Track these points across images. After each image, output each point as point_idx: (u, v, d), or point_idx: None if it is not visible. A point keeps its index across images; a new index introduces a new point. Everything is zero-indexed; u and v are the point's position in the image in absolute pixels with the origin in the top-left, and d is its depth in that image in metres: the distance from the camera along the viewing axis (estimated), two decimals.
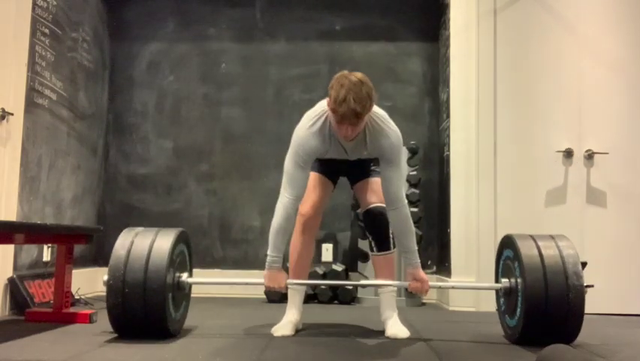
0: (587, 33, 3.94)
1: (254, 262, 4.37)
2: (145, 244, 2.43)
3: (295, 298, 2.74)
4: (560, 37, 3.96)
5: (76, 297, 3.49)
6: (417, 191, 4.07)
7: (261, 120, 4.44)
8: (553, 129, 3.90)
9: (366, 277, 3.97)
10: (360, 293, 4.00)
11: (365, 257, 3.99)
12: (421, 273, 2.60)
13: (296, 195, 2.49)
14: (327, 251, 4.31)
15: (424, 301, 4.14)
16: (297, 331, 2.70)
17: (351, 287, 3.96)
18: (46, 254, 3.56)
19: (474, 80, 3.95)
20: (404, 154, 2.58)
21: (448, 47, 4.10)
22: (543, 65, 3.95)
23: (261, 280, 2.59)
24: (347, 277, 4.04)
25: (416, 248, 2.58)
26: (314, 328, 2.84)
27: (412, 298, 3.94)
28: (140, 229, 2.58)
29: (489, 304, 3.76)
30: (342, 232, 4.34)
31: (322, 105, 2.49)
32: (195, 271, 4.38)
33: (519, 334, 2.48)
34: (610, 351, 2.43)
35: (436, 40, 4.48)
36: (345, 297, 3.96)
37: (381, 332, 2.70)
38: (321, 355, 2.29)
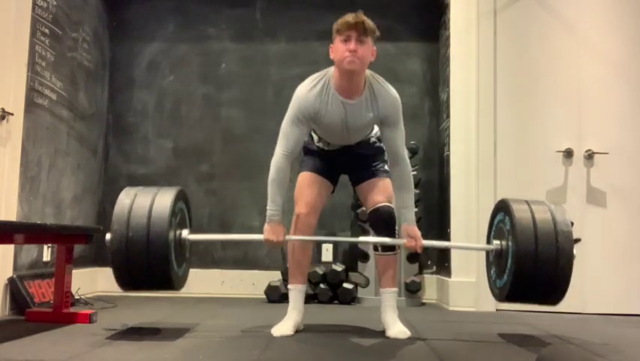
0: (587, 33, 3.94)
1: (254, 262, 4.37)
2: (146, 202, 2.45)
3: (296, 298, 2.73)
4: (559, 37, 3.96)
5: (76, 297, 3.49)
6: (417, 191, 4.06)
7: (261, 120, 4.44)
8: (553, 129, 3.91)
9: (366, 278, 3.98)
10: (360, 293, 4.00)
11: (365, 257, 3.99)
12: (416, 230, 2.63)
13: (287, 150, 2.57)
14: (327, 251, 4.31)
15: (424, 301, 4.15)
16: (298, 331, 2.70)
17: (351, 287, 3.96)
18: (46, 254, 3.56)
19: (474, 80, 3.95)
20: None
21: (448, 46, 4.10)
22: (543, 64, 3.96)
23: (261, 237, 2.61)
24: (347, 277, 4.04)
25: (413, 205, 2.66)
26: (314, 328, 2.84)
27: (412, 298, 3.95)
28: (140, 188, 2.59)
29: (489, 304, 3.77)
30: (342, 232, 4.34)
31: (326, 70, 2.59)
32: (195, 270, 4.40)
33: (507, 292, 2.48)
34: (610, 351, 2.43)
35: (436, 40, 4.48)
36: (345, 297, 3.96)
37: (382, 332, 2.70)
38: (321, 355, 2.29)
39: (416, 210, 3.98)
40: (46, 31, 3.54)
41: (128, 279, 2.45)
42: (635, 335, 3.00)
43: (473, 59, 3.97)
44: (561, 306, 3.70)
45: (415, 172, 4.02)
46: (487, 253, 2.76)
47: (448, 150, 4.00)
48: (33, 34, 3.38)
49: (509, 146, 3.91)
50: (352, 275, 4.04)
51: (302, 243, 2.74)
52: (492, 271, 2.72)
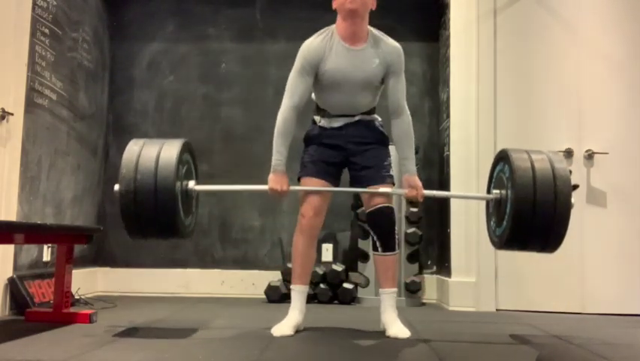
0: (587, 33, 3.94)
1: (254, 261, 4.37)
2: (153, 152, 2.48)
3: (298, 299, 2.73)
4: (559, 37, 3.96)
5: (77, 297, 3.49)
6: None
7: (261, 120, 4.43)
8: (553, 129, 3.90)
9: (366, 278, 3.98)
10: (360, 293, 4.00)
11: (365, 257, 3.99)
12: (417, 180, 2.69)
13: (294, 102, 2.65)
14: (327, 251, 4.31)
15: (424, 301, 4.15)
16: (297, 331, 2.70)
17: (351, 287, 3.96)
18: (46, 254, 3.56)
19: (474, 80, 3.96)
20: None
21: (448, 46, 4.10)
22: (543, 65, 3.96)
23: (266, 187, 2.66)
24: (347, 277, 4.04)
25: (414, 156, 2.73)
26: (314, 328, 2.84)
27: (412, 298, 3.95)
28: (147, 139, 2.61)
29: (489, 304, 3.78)
30: (342, 232, 4.34)
31: (330, 27, 2.69)
32: (195, 270, 4.42)
33: (506, 238, 2.49)
34: (610, 351, 2.43)
35: (436, 40, 4.48)
36: (345, 297, 3.96)
37: (382, 332, 2.70)
38: (321, 355, 2.29)
39: (416, 210, 4.02)
40: (46, 31, 3.54)
41: (136, 228, 2.48)
42: (635, 335, 3.00)
43: (473, 59, 3.97)
44: (561, 306, 3.74)
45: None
46: (487, 202, 2.76)
47: (448, 150, 4.00)
48: (33, 34, 3.38)
49: (509, 146, 3.89)
50: (352, 275, 4.04)
51: (307, 243, 2.72)
52: (491, 222, 2.71)
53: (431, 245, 4.34)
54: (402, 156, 2.71)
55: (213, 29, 4.59)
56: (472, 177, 3.88)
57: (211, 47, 4.59)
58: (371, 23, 2.84)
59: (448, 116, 4.03)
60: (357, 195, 3.85)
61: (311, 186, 2.71)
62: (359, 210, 3.95)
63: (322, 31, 2.69)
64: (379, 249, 2.71)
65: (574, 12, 3.96)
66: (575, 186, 2.50)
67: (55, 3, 3.63)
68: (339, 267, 4.07)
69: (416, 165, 3.97)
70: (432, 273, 4.32)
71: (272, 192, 2.66)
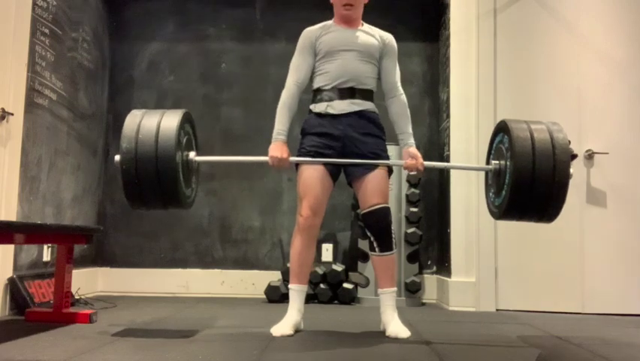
0: (587, 33, 3.94)
1: (254, 262, 4.37)
2: (153, 122, 2.48)
3: (296, 298, 2.73)
4: (559, 37, 3.96)
5: (76, 297, 3.50)
6: (417, 191, 4.07)
7: (261, 120, 4.43)
8: None
9: (366, 277, 3.98)
10: (360, 293, 4.00)
11: (365, 257, 3.99)
12: (416, 151, 2.76)
13: (298, 79, 2.77)
14: (327, 251, 4.31)
15: (424, 301, 4.15)
16: (297, 331, 2.70)
17: (351, 287, 3.97)
18: (46, 254, 3.56)
19: (474, 80, 3.96)
20: None
21: (448, 46, 4.10)
22: (543, 64, 3.96)
23: (266, 158, 2.68)
24: (347, 277, 4.04)
25: (411, 132, 2.81)
26: (314, 328, 2.84)
27: (412, 298, 3.95)
28: (146, 110, 2.59)
29: (489, 304, 3.78)
30: (342, 232, 4.34)
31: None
32: (195, 270, 4.42)
33: (505, 208, 2.49)
34: (610, 351, 2.43)
35: (436, 41, 4.48)
36: (345, 297, 3.96)
37: (382, 332, 2.70)
38: (321, 355, 2.29)
39: (416, 210, 4.02)
40: (46, 31, 3.54)
41: (137, 197, 2.47)
42: (635, 335, 3.00)
43: (473, 59, 3.97)
44: (561, 306, 3.74)
45: (415, 172, 4.03)
46: (487, 173, 2.75)
47: (448, 150, 4.00)
48: (33, 34, 3.38)
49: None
50: (352, 275, 4.04)
51: (306, 243, 2.71)
52: (490, 193, 2.71)
53: (431, 245, 4.34)
54: (400, 132, 2.80)
55: (213, 29, 4.60)
56: (471, 178, 3.88)
57: (211, 47, 4.59)
58: (372, 23, 2.87)
59: (448, 116, 4.03)
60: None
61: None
62: (359, 210, 3.94)
63: (322, 23, 2.86)
64: (377, 249, 2.71)
65: (574, 12, 3.96)
66: (574, 156, 2.49)
67: (55, 3, 3.63)
68: (339, 267, 4.07)
69: None
70: (432, 273, 4.32)
71: (272, 159, 2.67)
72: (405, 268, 3.97)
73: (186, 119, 2.60)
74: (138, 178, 2.41)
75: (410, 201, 4.05)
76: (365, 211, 2.72)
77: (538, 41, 3.97)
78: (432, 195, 4.35)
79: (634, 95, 3.89)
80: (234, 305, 3.79)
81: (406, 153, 2.76)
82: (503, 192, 2.52)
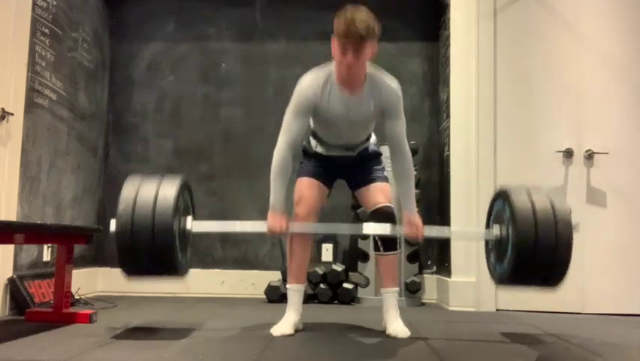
0: (587, 33, 3.94)
1: (254, 262, 4.37)
2: (151, 190, 2.46)
3: (295, 298, 2.74)
4: (560, 37, 3.96)
5: (76, 297, 3.49)
6: (417, 191, 4.06)
7: (261, 120, 4.44)
8: (553, 129, 3.91)
9: (366, 278, 3.98)
10: (360, 293, 4.00)
11: (365, 257, 3.99)
12: (417, 218, 2.66)
13: (290, 141, 2.59)
14: (327, 251, 4.31)
15: (424, 301, 4.15)
16: (297, 331, 2.70)
17: (351, 287, 3.96)
18: (46, 254, 3.56)
19: (474, 80, 3.95)
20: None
21: (448, 46, 4.10)
22: (543, 65, 3.96)
23: (264, 227, 2.62)
24: (347, 277, 4.04)
25: (414, 193, 2.70)
26: (314, 328, 2.84)
27: (412, 298, 3.95)
28: (145, 175, 2.58)
29: (489, 304, 3.77)
30: None
31: (328, 64, 2.60)
32: (195, 270, 4.41)
33: (507, 279, 2.51)
34: (610, 351, 2.44)
35: (436, 40, 4.48)
36: (345, 297, 3.96)
37: (382, 332, 2.70)
38: (321, 355, 2.29)
39: (417, 209, 4.01)
40: (46, 31, 3.54)
41: (132, 264, 2.46)
42: (635, 335, 3.00)
43: (473, 59, 3.97)
44: (561, 306, 3.74)
45: (415, 172, 4.03)
46: (486, 240, 2.76)
47: (448, 150, 4.00)
48: (33, 34, 3.38)
49: (509, 146, 3.91)
50: (352, 275, 4.04)
51: (302, 243, 2.73)
52: (491, 258, 2.72)
53: (431, 245, 4.34)
54: (402, 194, 2.68)
55: (213, 29, 4.59)
56: (471, 178, 3.88)
57: (211, 46, 4.59)
58: None
59: (448, 116, 4.03)
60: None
61: (303, 226, 2.68)
62: (359, 210, 3.95)
63: (320, 70, 2.60)
64: (381, 248, 2.71)
65: (574, 12, 3.96)
66: (575, 225, 2.51)
67: (55, 3, 3.63)
68: (339, 267, 4.07)
69: (416, 165, 4.06)
70: (432, 273, 4.32)
71: (271, 231, 2.62)
72: (405, 268, 3.96)
73: (184, 187, 2.60)
74: (134, 246, 2.39)
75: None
76: (371, 210, 2.73)
77: (538, 41, 3.97)
78: (432, 195, 4.34)
79: (634, 95, 3.89)
80: (234, 305, 3.78)
81: (406, 219, 2.66)
82: (505, 263, 2.53)
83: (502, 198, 2.63)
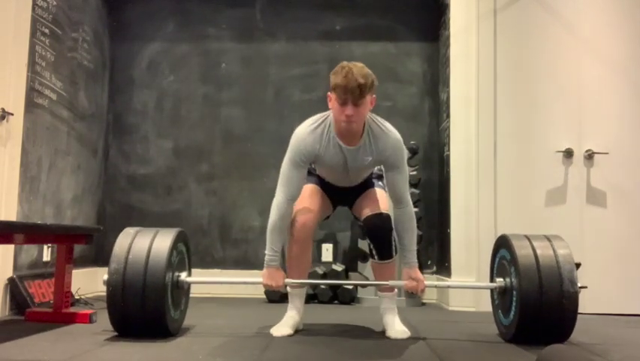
0: (587, 33, 3.94)
1: (254, 262, 4.37)
2: (144, 245, 2.45)
3: (296, 299, 2.74)
4: (560, 37, 3.96)
5: (76, 297, 3.49)
6: (417, 191, 4.07)
7: (261, 120, 4.44)
8: (553, 129, 3.90)
9: (366, 278, 3.97)
10: (360, 293, 4.00)
11: (365, 257, 3.99)
12: (418, 273, 2.62)
13: (290, 194, 2.54)
14: (327, 251, 4.31)
15: (424, 301, 4.15)
16: (297, 331, 2.70)
17: (351, 287, 3.96)
18: (46, 254, 3.56)
19: (474, 80, 3.95)
20: (405, 154, 2.65)
21: (448, 46, 4.10)
22: (543, 65, 3.95)
23: (260, 280, 2.61)
24: (347, 277, 4.04)
25: (415, 248, 2.63)
26: (314, 328, 2.84)
27: (412, 298, 3.94)
28: (140, 228, 2.59)
29: (489, 304, 3.76)
30: (342, 232, 4.34)
31: (326, 112, 2.55)
32: (195, 270, 4.39)
33: (513, 333, 2.51)
34: (610, 351, 2.43)
35: (436, 40, 4.48)
36: (345, 297, 3.96)
37: (382, 332, 2.70)
38: (321, 355, 2.29)
39: (417, 210, 4.00)
40: (46, 31, 3.54)
41: (121, 321, 2.43)
42: (635, 335, 3.00)
43: (473, 59, 3.97)
44: None
45: (415, 172, 4.04)
46: (492, 291, 2.79)
47: (448, 150, 4.00)
48: (33, 34, 3.38)
49: (509, 146, 3.91)
50: (352, 275, 4.04)
51: (302, 243, 2.70)
52: (498, 311, 2.74)
53: (431, 245, 4.34)
54: (403, 247, 2.61)
55: (213, 29, 4.60)
56: (472, 178, 3.88)
57: (211, 46, 4.59)
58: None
59: (448, 116, 4.03)
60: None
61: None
62: (359, 217, 3.94)
63: (318, 121, 2.54)
64: (376, 257, 2.70)
65: (574, 12, 3.96)
66: (578, 265, 2.51)
67: (55, 3, 3.63)
68: (339, 267, 4.07)
69: (416, 165, 4.07)
70: (432, 273, 4.32)
71: (266, 287, 2.62)
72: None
73: (180, 239, 2.58)
74: (124, 305, 2.37)
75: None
76: (366, 216, 2.70)
77: (538, 41, 3.97)
78: (432, 195, 4.35)
79: (634, 95, 3.89)
80: (234, 305, 3.78)
81: (407, 273, 2.62)
82: (511, 316, 2.54)
83: (503, 247, 2.65)
